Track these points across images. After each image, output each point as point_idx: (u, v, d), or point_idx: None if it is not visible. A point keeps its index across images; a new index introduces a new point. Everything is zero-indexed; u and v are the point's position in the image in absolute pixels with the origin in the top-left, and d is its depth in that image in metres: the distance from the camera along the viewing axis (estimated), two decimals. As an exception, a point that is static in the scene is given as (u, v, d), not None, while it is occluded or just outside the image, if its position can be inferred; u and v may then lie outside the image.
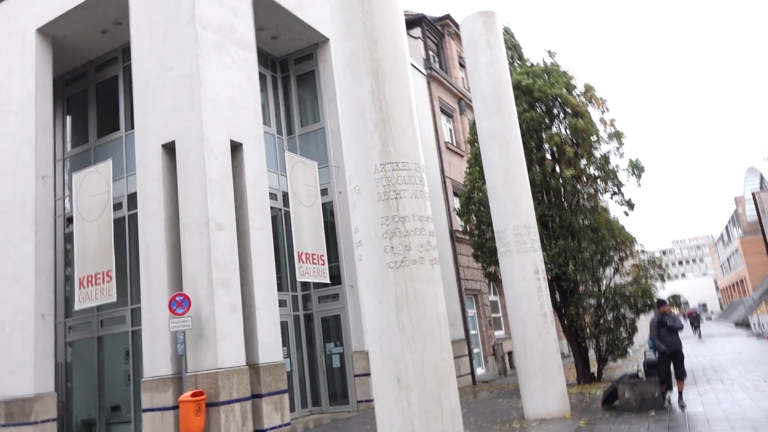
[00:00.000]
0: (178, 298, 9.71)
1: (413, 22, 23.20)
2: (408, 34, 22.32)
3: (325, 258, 13.30)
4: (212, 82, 10.96)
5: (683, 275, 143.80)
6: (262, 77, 15.34)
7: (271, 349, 10.86)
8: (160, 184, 10.77)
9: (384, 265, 5.34)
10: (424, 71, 21.22)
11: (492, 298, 22.74)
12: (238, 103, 11.50)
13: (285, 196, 13.71)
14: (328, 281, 13.37)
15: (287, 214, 13.54)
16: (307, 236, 12.94)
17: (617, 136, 14.48)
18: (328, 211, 14.77)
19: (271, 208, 13.76)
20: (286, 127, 15.58)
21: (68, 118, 15.15)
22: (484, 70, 10.96)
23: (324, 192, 14.80)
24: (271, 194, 13.77)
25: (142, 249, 10.81)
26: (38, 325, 12.02)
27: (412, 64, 20.17)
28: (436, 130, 20.95)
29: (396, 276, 5.30)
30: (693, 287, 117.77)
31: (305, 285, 14.55)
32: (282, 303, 13.96)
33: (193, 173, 10.44)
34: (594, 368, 15.07)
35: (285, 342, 13.74)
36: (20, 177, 12.86)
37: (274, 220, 13.61)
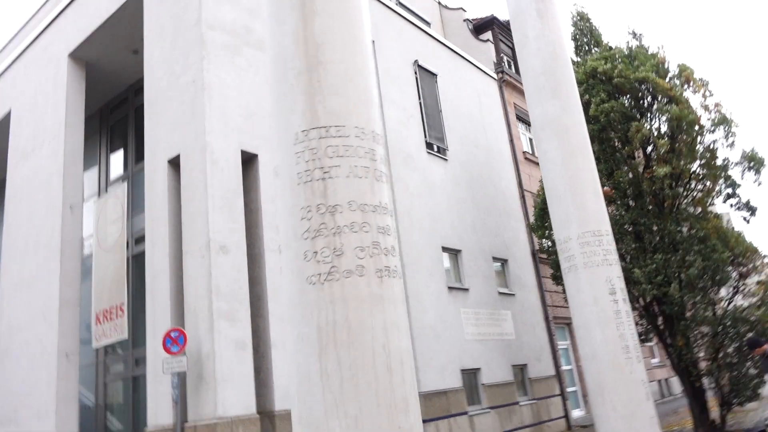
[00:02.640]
0: (172, 334, 8.31)
1: (483, 25, 21.33)
2: (477, 38, 20.44)
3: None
4: (220, 86, 9.71)
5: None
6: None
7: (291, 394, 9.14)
8: (166, 203, 9.59)
9: (303, 280, 3.51)
10: (494, 75, 19.16)
11: (588, 327, 19.76)
12: (253, 110, 10.17)
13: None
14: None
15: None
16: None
17: (724, 122, 11.62)
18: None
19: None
20: (331, 141, 14.14)
21: (111, 147, 14.67)
22: (534, 45, 8.88)
23: (371, 210, 13.09)
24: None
25: (148, 278, 9.63)
26: (61, 365, 11.14)
27: (481, 68, 18.23)
28: (511, 139, 18.71)
29: (319, 296, 3.44)
30: None
31: (354, 316, 12.81)
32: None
33: (195, 190, 9.15)
34: (716, 413, 11.96)
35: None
36: (50, 207, 12.29)
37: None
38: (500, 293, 15.25)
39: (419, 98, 14.77)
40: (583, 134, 8.57)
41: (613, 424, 7.31)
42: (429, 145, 14.59)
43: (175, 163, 9.75)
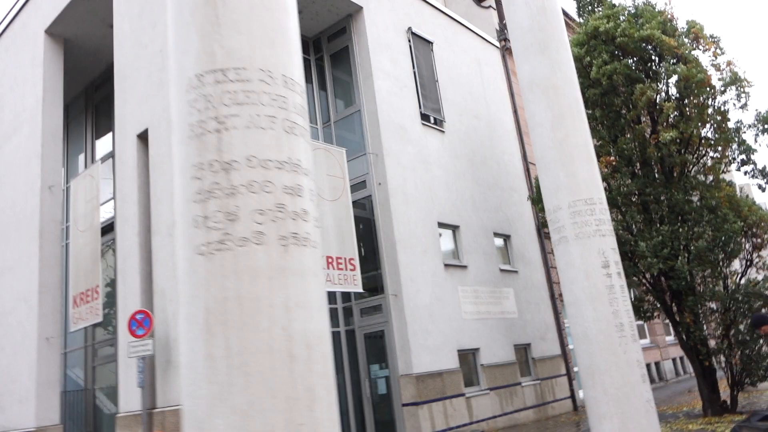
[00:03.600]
0: (138, 317, 7.89)
1: (486, -9, 20.39)
2: (479, 4, 19.56)
3: (357, 262, 10.98)
4: (189, 55, 9.15)
5: None
6: (291, 60, 13.45)
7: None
8: (135, 181, 9.11)
9: (192, 250, 2.96)
10: (497, 44, 18.30)
11: (598, 304, 19.02)
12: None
13: (309, 191, 11.62)
14: (360, 289, 11.03)
15: (312, 213, 11.42)
16: (331, 236, 10.71)
17: (736, 81, 10.77)
18: (365, 208, 12.48)
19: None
20: (321, 114, 13.56)
21: (96, 126, 14.24)
22: (521, -1, 8.14)
23: (361, 184, 12.54)
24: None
25: (119, 259, 9.21)
26: (42, 350, 10.84)
27: (482, 36, 17.41)
28: (515, 110, 17.91)
29: (208, 268, 2.89)
30: None
31: (346, 296, 12.32)
32: (317, 318, 11.82)
33: (163, 166, 8.65)
34: (726, 394, 11.29)
35: (321, 364, 11.57)
36: (30, 190, 11.92)
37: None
38: (502, 270, 14.63)
39: (413, 68, 14.06)
40: (575, 95, 7.86)
41: (604, 408, 6.72)
42: (424, 117, 13.91)
43: (144, 138, 9.26)
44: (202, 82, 3.11)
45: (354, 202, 12.53)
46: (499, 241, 15.25)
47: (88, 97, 14.60)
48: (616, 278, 7.12)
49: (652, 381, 20.23)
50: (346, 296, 12.30)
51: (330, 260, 10.51)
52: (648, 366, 20.39)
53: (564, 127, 7.60)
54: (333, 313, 12.25)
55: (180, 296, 2.98)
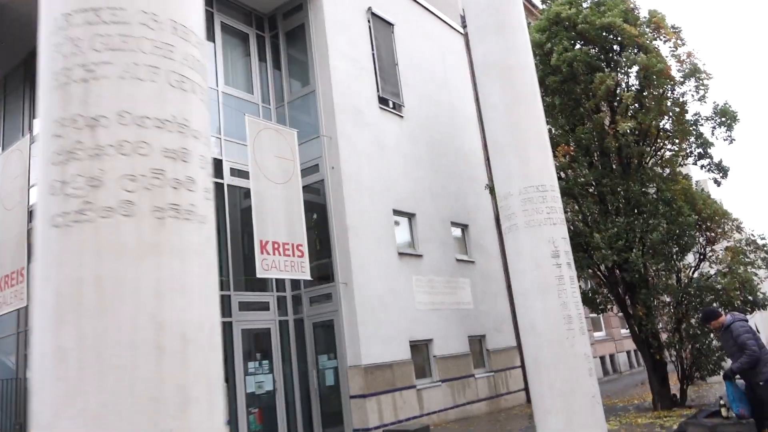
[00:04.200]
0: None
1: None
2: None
3: (305, 248, 10.53)
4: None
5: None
6: (243, 36, 12.88)
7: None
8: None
9: (47, 222, 2.48)
10: (462, 30, 17.93)
11: (555, 296, 18.96)
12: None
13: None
14: (308, 277, 10.58)
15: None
16: (278, 221, 10.23)
17: (695, 72, 10.62)
18: (319, 193, 12.01)
19: (233, 186, 11.22)
20: (275, 94, 12.99)
21: (34, 99, 13.40)
22: (478, -24, 7.75)
23: (313, 168, 12.06)
24: (234, 170, 11.23)
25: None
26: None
27: (446, 21, 17.02)
28: (477, 99, 17.55)
29: (63, 244, 2.42)
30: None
31: (295, 284, 11.86)
32: (264, 306, 11.39)
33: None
34: (677, 388, 11.25)
35: (268, 354, 11.15)
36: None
37: (239, 201, 11.08)
38: (458, 260, 14.35)
39: (372, 49, 13.60)
40: (530, 78, 7.53)
41: (549, 403, 6.46)
42: (382, 101, 13.48)
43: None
44: (69, 22, 2.63)
45: (306, 187, 12.07)
46: (457, 231, 14.97)
47: (27, 68, 13.72)
48: (566, 269, 6.84)
49: (606, 373, 20.35)
50: (295, 284, 11.85)
51: (276, 246, 10.03)
52: (602, 358, 20.49)
53: (518, 111, 7.27)
54: (282, 302, 11.79)
55: (34, 278, 2.49)
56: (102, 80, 2.55)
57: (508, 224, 7.18)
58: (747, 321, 6.61)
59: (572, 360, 6.53)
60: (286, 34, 13.23)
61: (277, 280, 11.64)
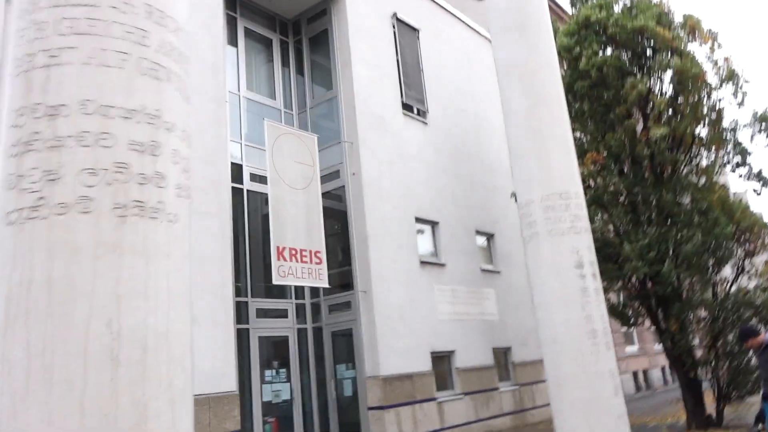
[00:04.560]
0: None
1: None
2: (472, -4, 18.85)
3: (323, 255, 10.33)
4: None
5: None
6: (267, 42, 12.81)
7: (214, 377, 8.05)
8: None
9: (1, 219, 2.30)
10: (488, 36, 17.58)
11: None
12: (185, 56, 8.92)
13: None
14: (326, 284, 10.37)
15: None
16: (296, 227, 10.05)
17: (732, 77, 10.11)
18: (341, 200, 11.81)
19: (253, 192, 11.08)
20: (297, 100, 12.87)
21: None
22: (500, -25, 7.48)
23: (334, 175, 11.88)
24: (255, 176, 11.11)
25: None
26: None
27: (472, 27, 16.75)
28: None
29: (16, 242, 2.23)
30: None
31: (314, 292, 11.66)
32: (282, 313, 11.20)
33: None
34: (712, 407, 10.66)
35: (285, 363, 10.95)
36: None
37: (260, 207, 10.94)
38: (483, 270, 13.98)
39: (396, 55, 13.39)
40: (554, 81, 7.21)
41: (571, 424, 6.08)
42: (406, 107, 13.25)
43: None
44: (35, 4, 2.44)
45: (326, 193, 11.91)
46: (482, 240, 14.60)
47: None
48: (590, 280, 6.48)
49: (638, 389, 19.62)
50: (314, 292, 11.64)
51: (294, 252, 9.85)
52: (635, 374, 19.77)
53: (539, 115, 6.96)
54: (300, 310, 11.60)
55: (-9, 278, 2.30)
56: (65, 66, 2.36)
57: (529, 232, 6.85)
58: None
59: (596, 377, 6.15)
60: (309, 39, 13.12)
61: (296, 287, 11.46)
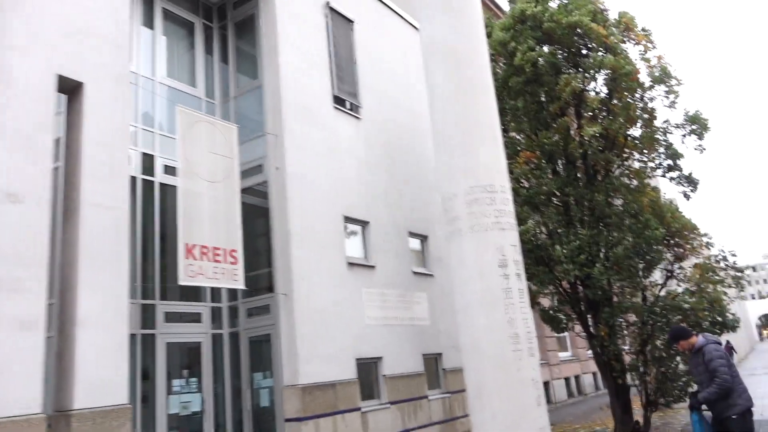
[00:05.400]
0: None
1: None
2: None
3: (240, 254, 9.54)
4: (29, -7, 7.52)
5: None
6: (188, 25, 11.93)
7: (102, 388, 7.13)
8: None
9: None
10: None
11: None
12: (81, 28, 8.01)
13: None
14: (241, 286, 9.57)
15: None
16: (209, 223, 9.23)
17: (665, 76, 9.98)
18: (265, 196, 11.04)
19: (166, 185, 10.20)
20: (221, 89, 12.03)
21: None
22: (427, -49, 6.94)
23: (257, 169, 11.12)
24: (170, 168, 10.22)
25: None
26: None
27: (411, 23, 16.29)
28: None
29: None
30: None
31: (233, 294, 10.83)
32: (195, 317, 10.33)
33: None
34: (640, 413, 10.45)
35: (196, 371, 10.07)
36: None
37: (174, 202, 10.04)
38: (415, 273, 13.46)
39: (329, 46, 12.74)
40: (482, 65, 6.69)
41: (491, 438, 5.54)
42: (338, 100, 12.61)
43: None
44: None
45: (249, 189, 11.16)
46: (415, 242, 14.09)
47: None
48: (514, 280, 5.96)
49: (570, 395, 19.58)
50: (233, 294, 10.82)
51: (205, 251, 9.02)
52: (567, 380, 19.73)
53: (465, 100, 6.41)
54: (217, 313, 10.75)
55: None
56: None
57: (451, 229, 6.29)
58: (721, 345, 5.81)
59: (518, 386, 5.63)
60: (235, 24, 12.32)
61: (213, 289, 10.62)
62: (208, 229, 9.13)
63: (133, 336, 9.26)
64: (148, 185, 10.16)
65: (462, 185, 6.17)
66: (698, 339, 5.92)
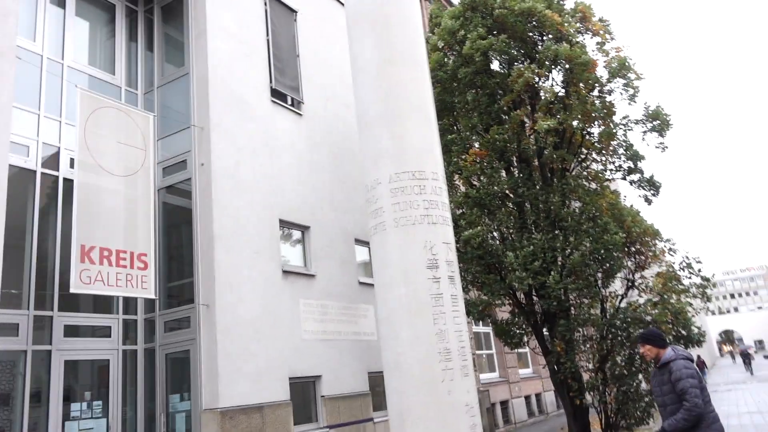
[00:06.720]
0: None
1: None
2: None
3: (150, 259, 8.36)
4: None
5: (736, 309, 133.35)
6: (108, 7, 10.78)
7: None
8: None
9: None
10: None
11: (476, 328, 17.26)
12: None
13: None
14: (150, 295, 8.39)
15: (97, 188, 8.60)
16: (112, 223, 8.04)
17: (623, 69, 9.21)
18: (190, 195, 9.88)
19: (71, 181, 9.00)
20: (144, 78, 10.88)
21: None
22: None
23: (181, 165, 9.97)
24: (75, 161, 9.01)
25: None
26: None
27: None
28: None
29: None
30: (747, 322, 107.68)
31: (149, 305, 9.60)
32: (104, 332, 9.08)
33: None
34: (600, 437, 9.53)
35: (102, 393, 8.80)
36: None
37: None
38: (363, 283, 12.39)
39: (267, 34, 11.72)
40: (413, 34, 5.78)
41: (412, 477, 4.50)
42: (277, 94, 11.57)
43: None
44: None
45: (171, 187, 10.02)
46: (363, 250, 13.04)
47: None
48: (446, 284, 4.98)
49: (531, 414, 18.65)
50: (149, 306, 9.59)
51: (107, 254, 7.83)
52: (528, 398, 18.81)
53: (394, 74, 5.47)
54: (131, 326, 9.50)
55: None
56: None
57: (374, 223, 5.31)
58: (692, 361, 4.88)
59: (448, 412, 4.63)
60: (162, 8, 11.21)
61: (127, 299, 9.38)
62: (111, 230, 7.94)
63: (21, 353, 8.01)
64: (51, 180, 8.92)
65: (386, 171, 5.20)
66: (666, 351, 4.98)
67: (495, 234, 9.89)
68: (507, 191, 9.51)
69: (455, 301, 4.98)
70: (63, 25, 9.86)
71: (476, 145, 9.90)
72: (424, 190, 5.15)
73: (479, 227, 9.11)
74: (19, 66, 8.44)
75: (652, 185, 10.13)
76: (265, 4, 11.91)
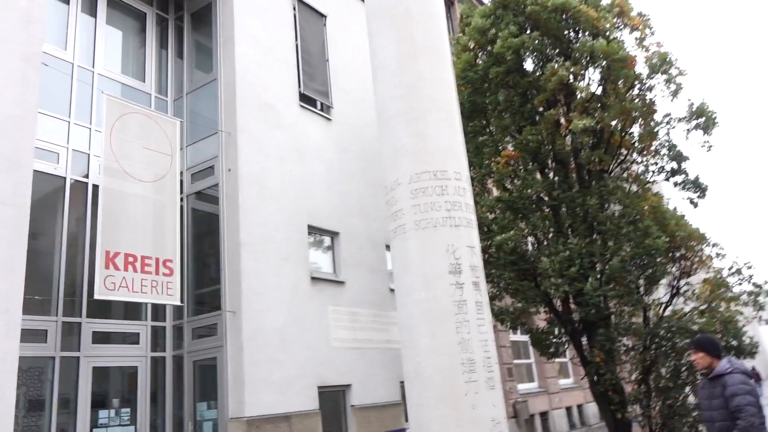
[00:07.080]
0: None
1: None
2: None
3: (176, 265, 8.30)
4: None
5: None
6: (139, 16, 10.86)
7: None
8: None
9: None
10: None
11: (514, 337, 16.75)
12: None
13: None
14: (176, 301, 8.33)
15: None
16: (138, 228, 8.00)
17: (665, 64, 8.73)
18: (218, 201, 9.82)
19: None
20: (174, 85, 10.91)
21: None
22: None
23: (208, 171, 9.93)
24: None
25: None
26: None
27: None
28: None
29: None
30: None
31: (178, 312, 9.56)
32: (132, 338, 9.06)
33: None
34: (644, 454, 8.99)
35: (130, 400, 8.77)
36: None
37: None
38: (393, 290, 12.09)
39: (296, 40, 11.64)
40: (437, 30, 5.52)
41: (432, 498, 4.20)
42: (306, 99, 11.46)
43: None
44: None
45: (199, 193, 9.99)
46: (395, 257, 12.76)
47: None
48: (470, 291, 4.67)
49: (572, 426, 17.99)
50: (178, 313, 9.55)
51: (132, 260, 7.78)
52: (569, 409, 18.16)
53: (415, 69, 5.21)
54: (160, 333, 9.47)
55: None
56: None
57: (394, 226, 5.04)
58: (749, 376, 4.43)
59: (472, 428, 4.31)
60: (191, 15, 11.25)
61: (156, 306, 9.36)
62: (136, 235, 7.90)
63: (50, 359, 8.03)
64: (80, 187, 8.97)
65: (406, 171, 4.94)
66: (721, 362, 4.53)
67: (529, 239, 9.49)
68: (542, 194, 9.11)
69: (480, 308, 4.67)
70: (94, 33, 9.96)
71: (509, 146, 9.53)
72: (446, 190, 4.87)
73: (512, 232, 8.73)
74: (49, 74, 8.55)
75: (697, 187, 9.57)
76: (294, 9, 11.84)
